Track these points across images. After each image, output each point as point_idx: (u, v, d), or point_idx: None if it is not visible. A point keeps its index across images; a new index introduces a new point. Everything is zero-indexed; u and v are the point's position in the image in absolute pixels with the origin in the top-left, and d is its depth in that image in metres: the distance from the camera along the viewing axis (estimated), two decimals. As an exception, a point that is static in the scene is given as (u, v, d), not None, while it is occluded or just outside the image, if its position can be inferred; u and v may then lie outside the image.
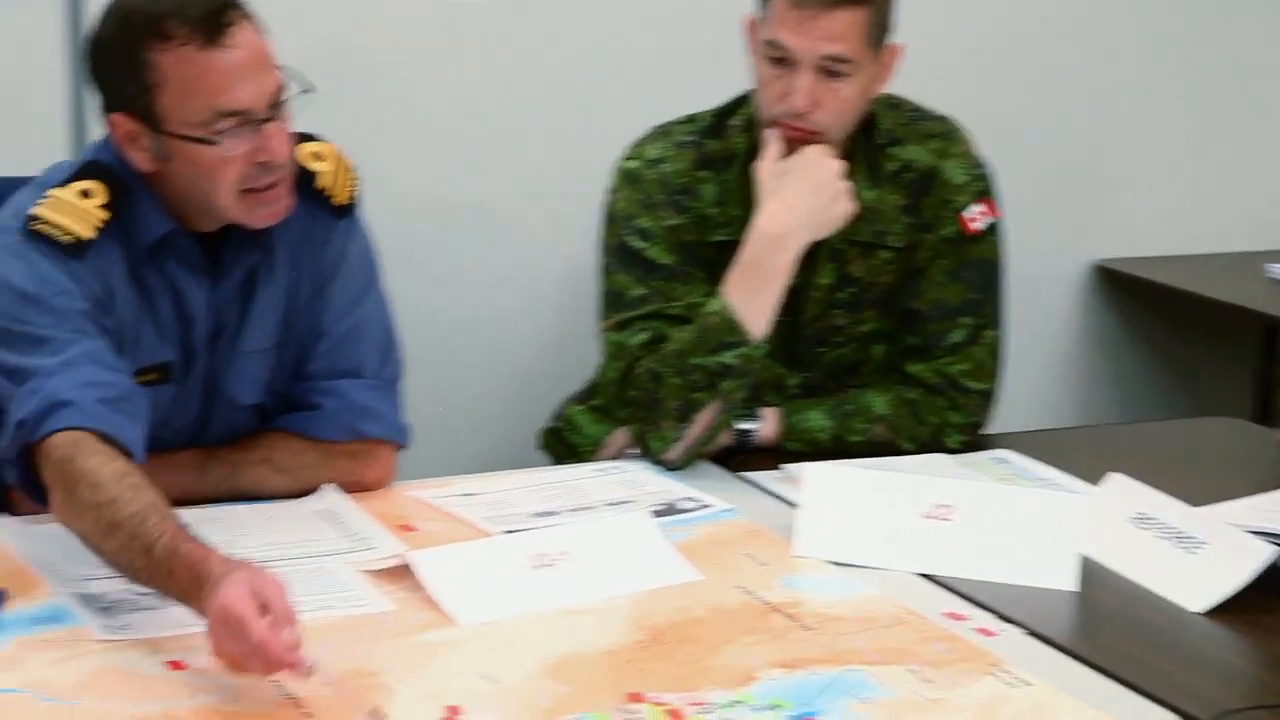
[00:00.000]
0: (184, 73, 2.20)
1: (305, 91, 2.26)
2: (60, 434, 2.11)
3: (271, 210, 2.29)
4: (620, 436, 2.75)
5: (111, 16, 2.25)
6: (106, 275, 2.26)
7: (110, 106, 2.26)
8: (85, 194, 2.26)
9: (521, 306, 3.60)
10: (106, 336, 2.25)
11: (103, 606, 2.05)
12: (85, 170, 2.29)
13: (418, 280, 3.42)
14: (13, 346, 2.20)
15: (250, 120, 2.22)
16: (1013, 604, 2.21)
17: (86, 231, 2.24)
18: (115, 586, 2.08)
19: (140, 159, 2.26)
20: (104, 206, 2.25)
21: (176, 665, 1.93)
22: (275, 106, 2.24)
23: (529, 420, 3.20)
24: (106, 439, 2.12)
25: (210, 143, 2.21)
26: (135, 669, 1.92)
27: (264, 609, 1.85)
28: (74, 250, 2.23)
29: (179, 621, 2.01)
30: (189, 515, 2.28)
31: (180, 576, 1.93)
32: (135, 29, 2.21)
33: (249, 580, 1.87)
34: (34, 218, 2.24)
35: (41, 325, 2.19)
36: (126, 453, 2.13)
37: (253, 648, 1.83)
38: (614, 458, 2.72)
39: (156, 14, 2.19)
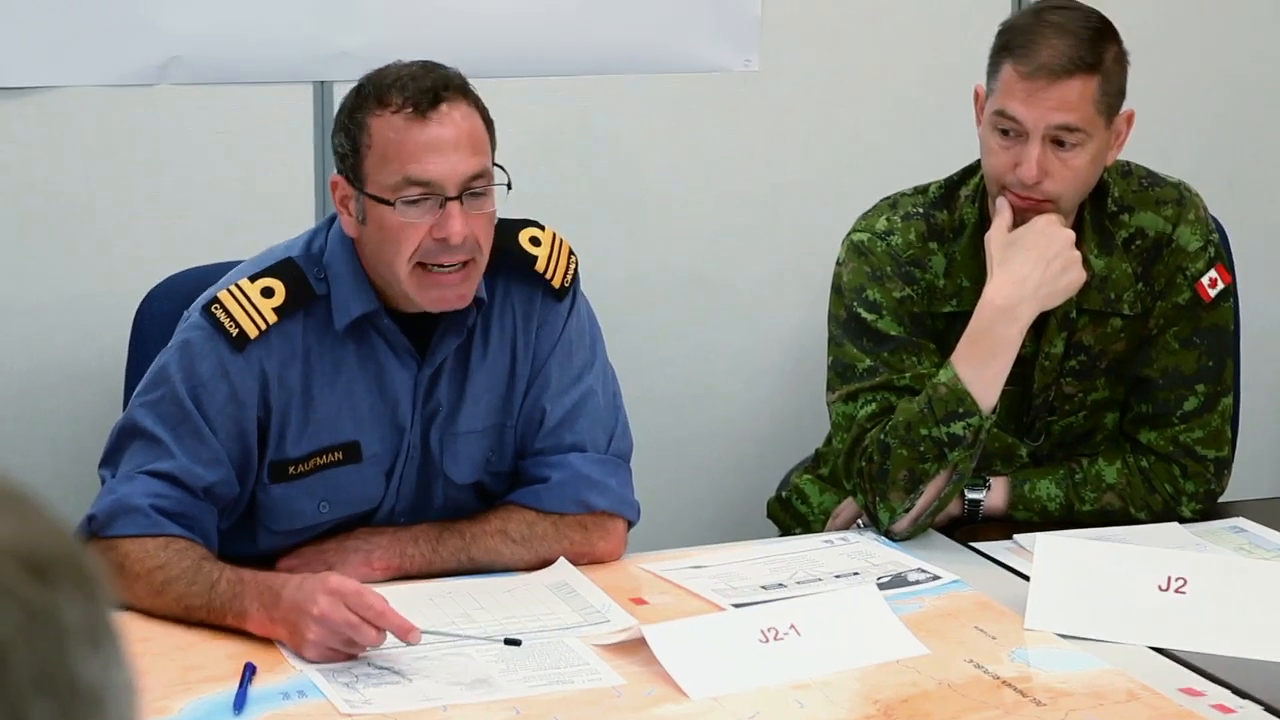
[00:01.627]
0: (388, 139, 2.30)
1: (502, 185, 2.35)
2: (123, 538, 2.31)
3: (443, 295, 2.34)
4: (849, 507, 2.76)
5: (355, 86, 2.38)
6: (263, 366, 2.36)
7: (337, 169, 2.39)
8: (266, 292, 2.38)
9: (748, 378, 3.62)
10: (237, 426, 2.36)
11: (345, 681, 2.11)
12: (276, 269, 2.40)
13: (644, 354, 3.47)
14: (125, 434, 2.39)
15: (435, 195, 2.29)
16: (1251, 679, 2.18)
17: (251, 330, 2.36)
18: (357, 661, 2.15)
19: (348, 223, 2.37)
20: (278, 309, 2.36)
21: (418, 738, 1.99)
22: (469, 190, 2.31)
23: (757, 490, 3.22)
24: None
25: (391, 204, 2.30)
26: (379, 740, 1.98)
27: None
28: (235, 344, 2.35)
29: (423, 695, 2.08)
30: (424, 589, 2.36)
31: (250, 594, 2.19)
32: (364, 95, 2.33)
33: (334, 573, 2.20)
34: (215, 300, 2.38)
35: (160, 415, 2.35)
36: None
37: (377, 613, 2.12)
38: (843, 528, 2.74)
39: (385, 84, 2.31)
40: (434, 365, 2.43)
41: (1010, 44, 2.63)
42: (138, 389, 2.41)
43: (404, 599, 2.33)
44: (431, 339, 2.42)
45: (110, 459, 2.40)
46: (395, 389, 2.42)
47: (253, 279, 2.38)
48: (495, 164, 2.35)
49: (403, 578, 2.40)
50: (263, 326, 2.35)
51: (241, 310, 2.36)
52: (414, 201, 2.29)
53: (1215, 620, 2.29)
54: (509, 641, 2.17)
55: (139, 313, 2.73)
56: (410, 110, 2.29)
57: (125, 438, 2.39)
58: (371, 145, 2.31)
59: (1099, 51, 2.60)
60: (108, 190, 3.13)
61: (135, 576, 2.27)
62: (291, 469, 2.40)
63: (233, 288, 2.38)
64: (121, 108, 3.10)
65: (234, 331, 2.35)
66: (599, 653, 2.22)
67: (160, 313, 2.68)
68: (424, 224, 2.30)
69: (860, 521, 2.71)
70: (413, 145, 2.29)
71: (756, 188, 3.57)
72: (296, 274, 2.39)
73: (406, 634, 2.12)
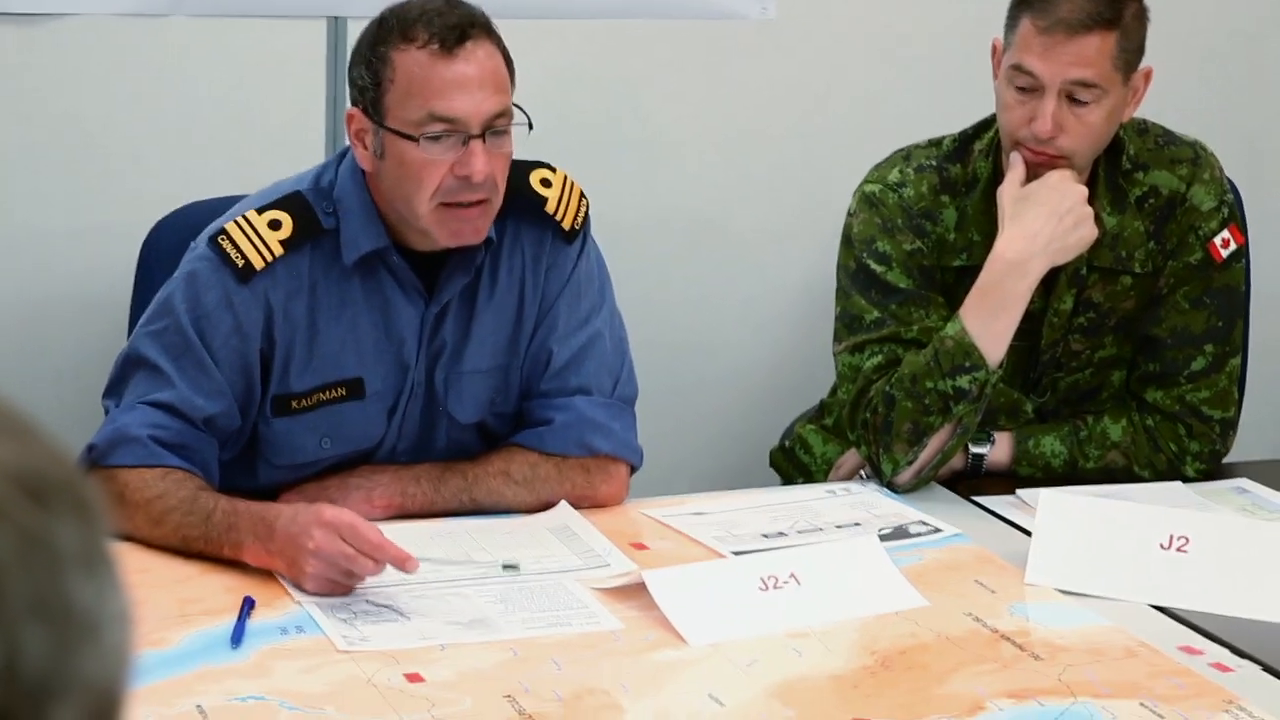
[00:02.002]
0: (412, 74, 2.28)
1: (527, 124, 2.33)
2: (121, 468, 2.31)
3: (462, 228, 2.34)
4: (852, 458, 2.76)
5: (375, 20, 2.36)
6: (268, 299, 2.35)
7: (353, 100, 2.38)
8: (274, 224, 2.37)
9: (756, 326, 3.61)
10: (242, 359, 2.36)
11: (343, 617, 2.11)
12: (284, 201, 2.39)
13: (653, 299, 3.46)
14: (129, 364, 2.39)
15: (459, 132, 2.28)
16: (1250, 639, 2.18)
17: (258, 261, 2.35)
18: (355, 598, 2.16)
19: (363, 156, 2.35)
20: (285, 241, 2.35)
21: (415, 678, 1.99)
22: (491, 129, 2.30)
23: (761, 438, 3.22)
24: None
25: (414, 140, 2.28)
26: (376, 680, 1.98)
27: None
28: (240, 275, 2.34)
29: (420, 634, 2.08)
30: (425, 528, 2.36)
31: (245, 525, 2.19)
32: (387, 29, 2.31)
33: (329, 504, 2.17)
34: (223, 231, 2.37)
35: (164, 345, 2.35)
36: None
37: (373, 545, 2.12)
38: (846, 479, 2.73)
39: (409, 18, 2.30)
40: (440, 303, 2.42)
41: (1029, -2, 2.61)
42: (142, 318, 2.41)
43: (404, 538, 2.32)
44: (439, 277, 2.41)
45: (114, 389, 2.40)
46: (401, 326, 2.41)
47: (260, 211, 2.37)
48: (516, 105, 2.33)
49: (404, 516, 2.40)
50: (269, 259, 2.35)
51: (248, 242, 2.35)
52: (436, 138, 2.28)
53: (1216, 579, 2.29)
54: (506, 566, 2.18)
55: (146, 244, 2.73)
56: (436, 46, 2.27)
57: (128, 367, 2.39)
58: (395, 79, 2.30)
59: (1118, 7, 2.59)
60: (118, 121, 3.12)
61: (134, 506, 2.27)
62: (294, 403, 2.40)
63: (240, 219, 2.37)
64: (134, 38, 3.09)
65: (240, 263, 2.34)
66: (598, 596, 2.22)
67: (167, 245, 2.68)
68: (446, 161, 2.29)
69: (863, 472, 2.71)
70: (438, 82, 2.28)
71: (769, 136, 3.56)
72: (304, 207, 2.38)
73: (404, 563, 2.13)
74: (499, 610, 2.16)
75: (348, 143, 2.40)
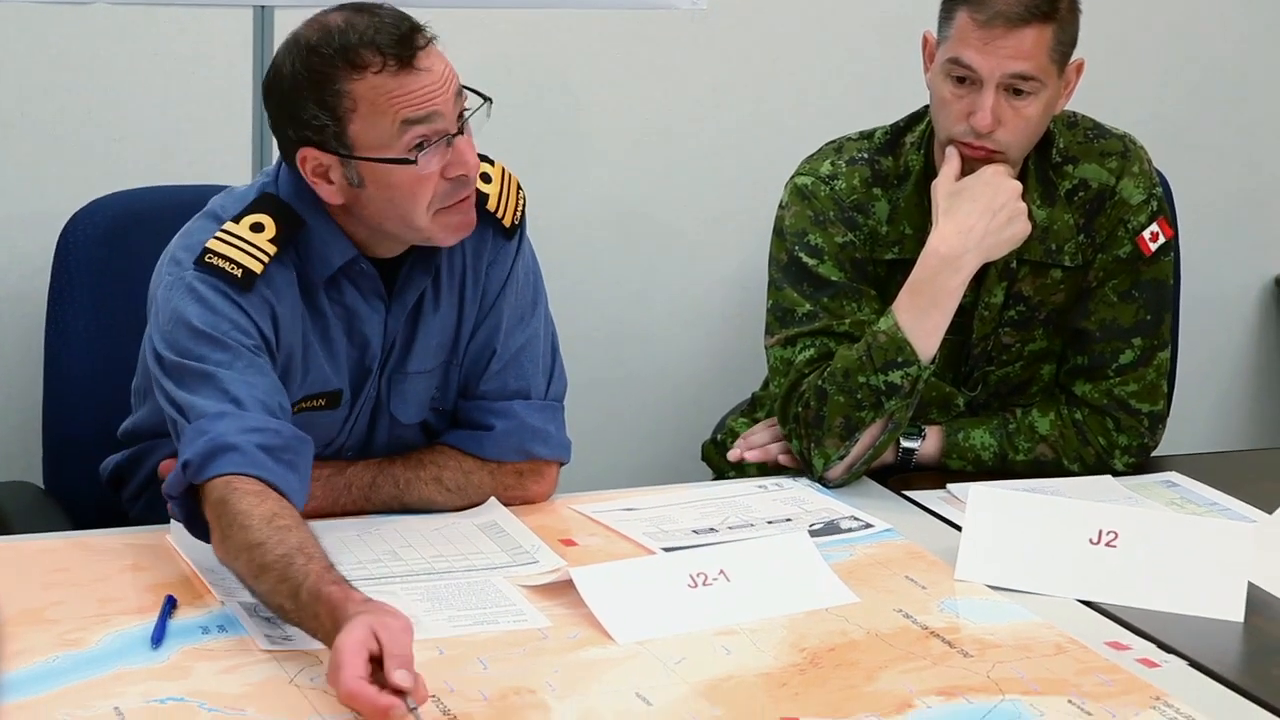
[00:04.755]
0: (376, 98, 2.21)
1: (487, 101, 2.28)
2: (221, 477, 2.15)
3: (462, 222, 2.31)
4: (762, 431, 2.74)
5: (294, 53, 2.25)
6: (274, 307, 2.29)
7: (299, 141, 2.26)
8: (256, 228, 2.30)
9: (687, 319, 3.60)
10: (274, 370, 2.29)
11: (266, 616, 2.08)
12: (258, 204, 2.32)
13: (584, 292, 3.45)
14: (183, 382, 2.23)
15: (443, 135, 2.24)
16: (1177, 634, 2.18)
17: (254, 266, 2.27)
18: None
19: (329, 192, 2.27)
20: (273, 240, 2.28)
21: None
22: (463, 122, 2.27)
23: (693, 433, 3.21)
24: (264, 483, 2.15)
25: (409, 162, 2.23)
26: (298, 681, 1.95)
27: (380, 650, 1.87)
28: (243, 284, 2.26)
29: (343, 632, 2.05)
30: (353, 526, 2.34)
31: (324, 619, 1.95)
32: (326, 61, 2.22)
33: (369, 622, 1.89)
34: (207, 250, 2.28)
35: (213, 362, 2.23)
36: (284, 496, 2.16)
37: (343, 696, 1.85)
38: (755, 448, 2.71)
39: (348, 45, 2.21)
40: (405, 307, 2.39)
41: (964, -9, 2.61)
42: (163, 345, 2.25)
43: (333, 537, 2.30)
44: (396, 281, 2.37)
45: (172, 403, 2.23)
46: (367, 333, 2.38)
47: (236, 220, 2.30)
48: (465, 87, 2.29)
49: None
50: (265, 259, 2.27)
51: (238, 250, 2.27)
52: (424, 147, 2.22)
53: (1144, 574, 2.29)
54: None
55: (64, 234, 2.68)
56: (395, 66, 2.21)
57: (183, 379, 2.22)
58: (357, 110, 2.22)
59: (1054, 0, 2.58)
60: (38, 108, 3.08)
61: (239, 548, 2.08)
62: None
63: (219, 234, 2.29)
64: (57, 25, 3.05)
65: (238, 273, 2.26)
66: (526, 594, 2.20)
67: (85, 235, 2.64)
68: (437, 169, 2.25)
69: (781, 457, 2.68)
70: (407, 96, 2.21)
71: (701, 128, 3.55)
72: (280, 205, 2.31)
73: (386, 714, 1.86)
74: (425, 609, 2.14)
75: (274, 155, 2.33)
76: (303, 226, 2.31)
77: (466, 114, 2.27)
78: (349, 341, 2.38)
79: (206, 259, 2.27)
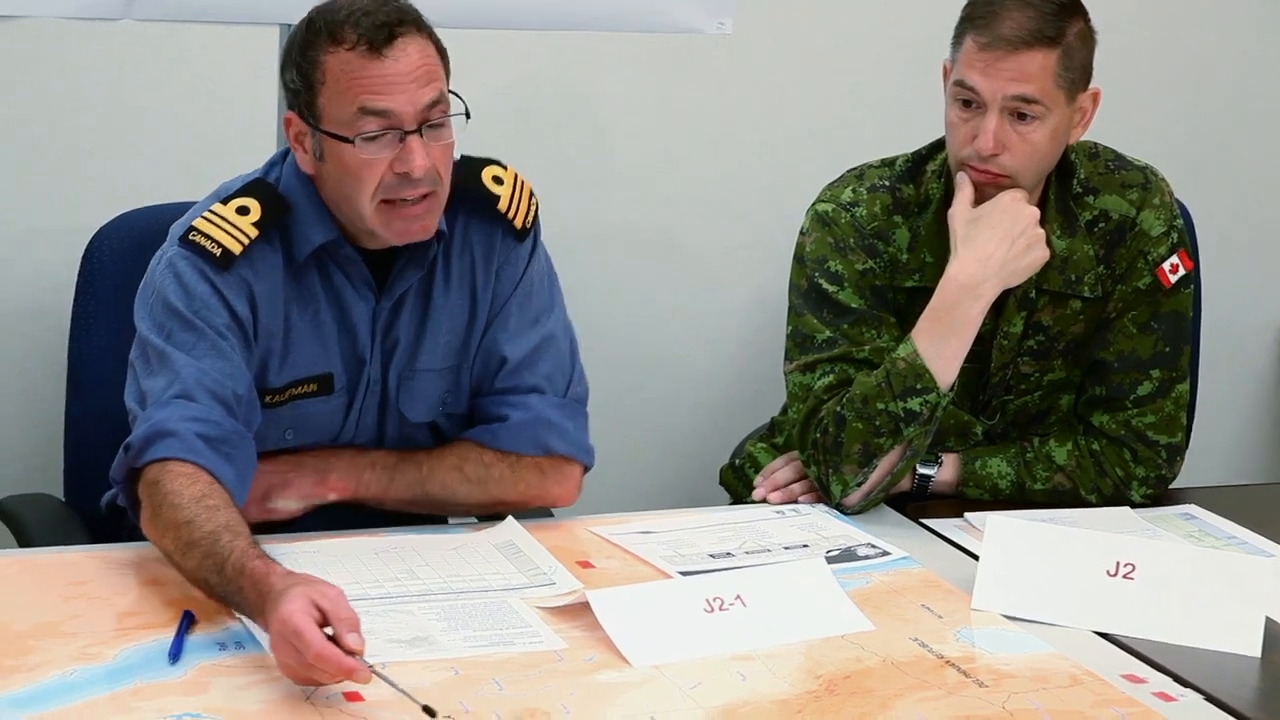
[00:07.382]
0: (342, 74, 2.27)
1: (459, 115, 2.31)
2: (158, 462, 2.21)
3: (408, 226, 2.33)
4: (785, 467, 2.74)
5: (303, 21, 2.34)
6: (251, 286, 2.33)
7: (289, 104, 2.36)
8: (242, 210, 2.35)
9: (707, 342, 3.61)
10: (246, 350, 2.33)
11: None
12: (248, 188, 2.38)
13: (604, 313, 3.45)
14: (148, 364, 2.31)
15: (395, 128, 2.27)
16: (1193, 668, 2.18)
17: (234, 246, 2.32)
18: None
19: (304, 160, 2.35)
20: (256, 223, 2.34)
21: (354, 697, 1.96)
22: (427, 121, 2.29)
23: (711, 456, 3.21)
24: (199, 468, 2.21)
25: (349, 141, 2.27)
26: (315, 698, 1.95)
27: (324, 619, 1.92)
28: (220, 263, 2.32)
29: (358, 652, 2.05)
30: (369, 544, 2.34)
31: (248, 593, 2.01)
32: (315, 32, 2.30)
33: (306, 593, 1.94)
34: (193, 229, 2.34)
35: (176, 342, 2.29)
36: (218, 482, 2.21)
37: (314, 658, 1.90)
38: (779, 487, 2.71)
39: (336, 20, 2.28)
40: (393, 298, 2.41)
41: (972, 15, 2.62)
42: (142, 324, 2.34)
43: (350, 553, 2.32)
44: (392, 272, 2.40)
45: (132, 389, 2.33)
46: (355, 320, 2.41)
47: (224, 201, 2.36)
48: (451, 92, 2.32)
49: (355, 503, 2.42)
50: (245, 241, 2.33)
51: (220, 230, 2.33)
52: (373, 137, 2.27)
53: (1161, 607, 2.29)
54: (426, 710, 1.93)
55: (89, 249, 2.69)
56: (365, 47, 2.26)
57: (146, 363, 2.32)
58: (325, 82, 2.29)
59: (1061, 26, 2.59)
60: (65, 124, 3.09)
61: (168, 526, 2.16)
62: (269, 398, 2.39)
63: (206, 213, 2.36)
64: (83, 41, 3.06)
65: (217, 251, 2.32)
66: (542, 615, 2.20)
67: (111, 250, 2.65)
68: (384, 159, 2.28)
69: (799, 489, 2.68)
70: (369, 81, 2.26)
71: (724, 152, 3.55)
72: (268, 190, 2.37)
73: (352, 674, 1.93)
74: (441, 628, 2.14)
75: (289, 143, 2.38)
76: (288, 211, 2.35)
77: (434, 120, 2.29)
78: (339, 327, 2.41)
79: (190, 236, 2.34)
